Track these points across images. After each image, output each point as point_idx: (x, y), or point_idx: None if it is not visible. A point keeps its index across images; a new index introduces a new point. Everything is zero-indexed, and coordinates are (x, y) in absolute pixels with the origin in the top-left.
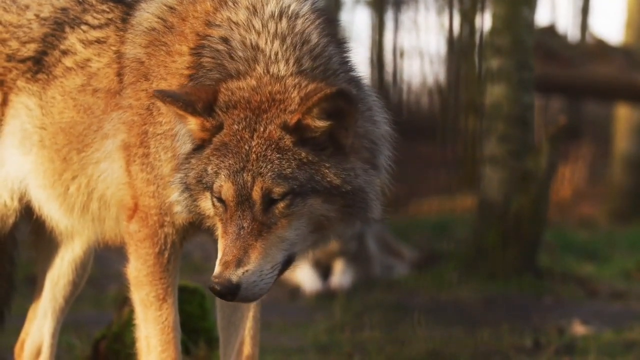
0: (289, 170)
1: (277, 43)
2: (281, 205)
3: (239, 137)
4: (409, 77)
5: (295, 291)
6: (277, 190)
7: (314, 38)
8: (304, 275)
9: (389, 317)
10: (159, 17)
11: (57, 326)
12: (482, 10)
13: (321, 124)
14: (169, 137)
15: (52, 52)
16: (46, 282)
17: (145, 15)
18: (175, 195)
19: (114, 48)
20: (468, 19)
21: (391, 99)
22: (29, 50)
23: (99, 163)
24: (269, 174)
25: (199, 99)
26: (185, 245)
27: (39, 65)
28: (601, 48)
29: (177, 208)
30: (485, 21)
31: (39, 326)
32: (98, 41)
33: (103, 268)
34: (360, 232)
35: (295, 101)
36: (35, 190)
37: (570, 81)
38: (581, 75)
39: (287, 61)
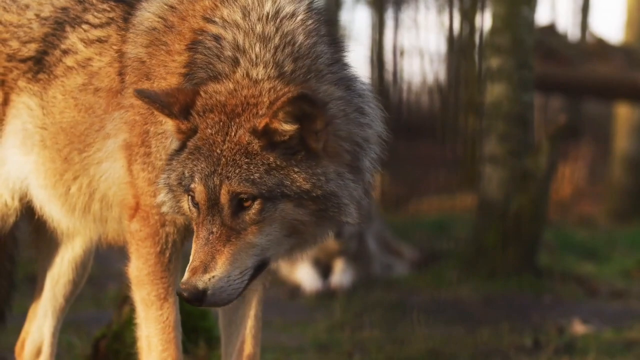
0: (257, 175)
1: (259, 45)
2: (251, 211)
3: (211, 141)
4: (409, 76)
5: (295, 290)
6: (244, 194)
7: (300, 39)
8: (304, 275)
9: (388, 316)
10: (159, 17)
11: (58, 325)
12: (482, 9)
13: (288, 127)
14: (170, 136)
15: (52, 51)
16: (46, 281)
17: (147, 15)
18: (161, 196)
19: (115, 47)
20: (468, 18)
21: (391, 98)
22: (30, 50)
23: (101, 163)
24: (235, 178)
25: (176, 102)
26: (186, 245)
27: (39, 65)
28: (601, 47)
29: (164, 208)
30: (485, 20)
31: (39, 325)
32: (99, 40)
33: (103, 267)
34: (360, 232)
35: (266, 105)
36: (36, 190)
37: (570, 80)
38: (581, 74)
39: (266, 64)
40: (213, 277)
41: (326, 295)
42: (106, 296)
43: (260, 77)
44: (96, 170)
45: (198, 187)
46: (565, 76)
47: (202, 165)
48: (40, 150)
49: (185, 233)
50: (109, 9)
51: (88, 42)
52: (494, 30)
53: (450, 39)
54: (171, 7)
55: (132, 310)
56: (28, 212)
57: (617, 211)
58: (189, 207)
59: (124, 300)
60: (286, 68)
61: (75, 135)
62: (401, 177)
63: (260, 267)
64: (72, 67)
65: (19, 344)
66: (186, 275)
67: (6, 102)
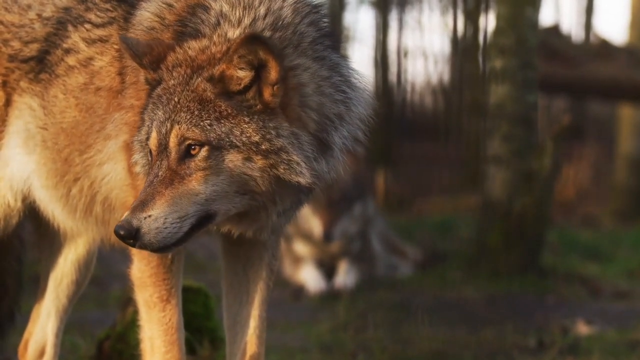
0: (207, 121)
1: (241, 11)
2: (197, 158)
3: (172, 90)
4: (413, 77)
5: (299, 291)
6: (191, 140)
7: (287, 14)
8: (308, 275)
9: (392, 317)
10: (157, 16)
11: (61, 326)
12: (486, 10)
13: (242, 74)
14: None
15: (54, 51)
16: (49, 282)
17: (146, 15)
18: (135, 156)
19: (116, 47)
20: (472, 19)
21: (395, 99)
22: (32, 50)
23: (102, 165)
24: (185, 123)
25: (149, 53)
26: (188, 245)
27: (41, 65)
28: (605, 48)
29: (137, 168)
30: (489, 21)
31: (43, 326)
32: (101, 40)
33: (107, 268)
34: (364, 232)
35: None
36: (38, 191)
37: (574, 81)
38: (585, 75)
39: (244, 28)
40: (149, 216)
41: (330, 295)
42: (110, 297)
43: (234, 37)
44: (98, 173)
45: (152, 134)
46: (569, 77)
47: (160, 113)
48: (42, 150)
49: None
50: (111, 8)
51: (90, 42)
52: (497, 31)
53: (454, 40)
54: (169, 5)
55: (136, 311)
56: (31, 212)
57: (621, 211)
58: (148, 158)
59: (128, 301)
60: (265, 35)
61: (76, 135)
62: (405, 177)
63: (206, 219)
64: (74, 66)
65: (22, 344)
66: (125, 214)
67: (8, 103)
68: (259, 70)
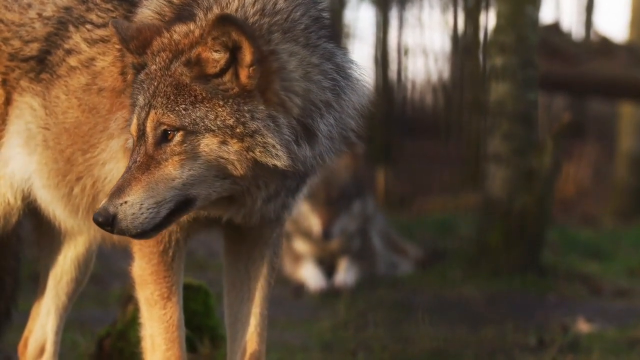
0: (182, 106)
1: None
2: (173, 143)
3: (152, 76)
4: (413, 75)
5: (299, 289)
6: (167, 125)
7: (280, 2)
8: (308, 273)
9: (393, 315)
10: (158, 13)
11: (61, 324)
12: (487, 8)
13: (217, 56)
14: None
15: (55, 51)
16: (49, 280)
17: (146, 13)
18: (129, 142)
19: (117, 46)
20: (472, 17)
21: (395, 97)
22: (32, 49)
23: (105, 164)
24: (161, 109)
25: (137, 37)
26: (189, 243)
27: (42, 65)
28: (605, 46)
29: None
30: (489, 19)
31: (42, 324)
32: (102, 40)
33: (107, 265)
34: (364, 230)
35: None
36: (40, 190)
37: (575, 79)
38: (585, 73)
39: (232, 11)
40: (125, 202)
41: (330, 293)
42: (110, 295)
43: None
44: (100, 172)
45: (133, 120)
46: (569, 75)
47: (140, 99)
48: (43, 150)
49: (189, 231)
50: (112, 8)
51: (91, 42)
52: (498, 28)
53: (455, 38)
54: (169, 1)
55: (136, 309)
56: (31, 211)
57: (621, 210)
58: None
59: (128, 299)
60: (251, 19)
61: (79, 135)
62: (405, 175)
63: (185, 204)
64: (76, 67)
65: (22, 342)
66: (103, 200)
67: (9, 101)
68: (234, 52)
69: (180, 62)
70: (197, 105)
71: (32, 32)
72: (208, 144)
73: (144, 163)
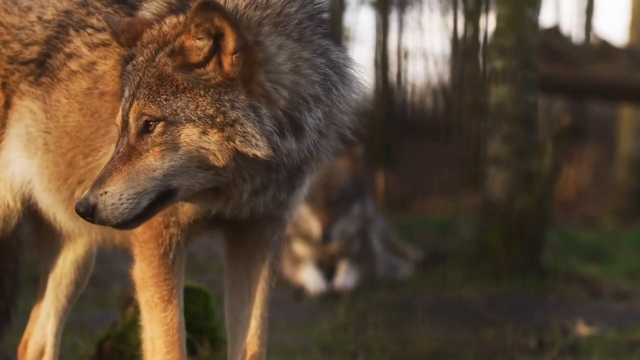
0: (164, 96)
1: None
2: (154, 133)
3: (138, 67)
4: (413, 78)
5: (299, 291)
6: (148, 116)
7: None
8: (308, 276)
9: (393, 317)
10: (158, 15)
11: (60, 326)
12: (486, 10)
13: (201, 43)
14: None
15: (56, 55)
16: (49, 282)
17: (147, 15)
18: (114, 132)
19: (118, 50)
20: (472, 20)
21: (395, 100)
22: (32, 52)
23: None
24: (143, 99)
25: (127, 31)
26: (189, 246)
27: (42, 68)
28: (605, 48)
29: None
30: (489, 22)
31: (42, 326)
32: (103, 44)
33: (107, 268)
34: (363, 232)
35: None
36: (40, 194)
37: (575, 81)
38: (585, 75)
39: (225, 3)
40: (105, 192)
41: (330, 296)
42: (110, 297)
43: None
44: None
45: (119, 112)
46: (569, 77)
47: (126, 90)
48: (44, 154)
49: (190, 234)
50: (112, 11)
51: (92, 46)
52: (498, 31)
53: (455, 41)
54: (168, 2)
55: (136, 311)
56: (30, 213)
57: (621, 212)
58: None
59: (128, 301)
60: (242, 11)
61: (81, 139)
62: (405, 177)
63: (167, 195)
64: (77, 71)
65: (21, 345)
66: (86, 191)
67: (8, 104)
68: (217, 39)
69: (164, 53)
70: (179, 96)
71: (32, 35)
72: (189, 135)
73: (125, 154)
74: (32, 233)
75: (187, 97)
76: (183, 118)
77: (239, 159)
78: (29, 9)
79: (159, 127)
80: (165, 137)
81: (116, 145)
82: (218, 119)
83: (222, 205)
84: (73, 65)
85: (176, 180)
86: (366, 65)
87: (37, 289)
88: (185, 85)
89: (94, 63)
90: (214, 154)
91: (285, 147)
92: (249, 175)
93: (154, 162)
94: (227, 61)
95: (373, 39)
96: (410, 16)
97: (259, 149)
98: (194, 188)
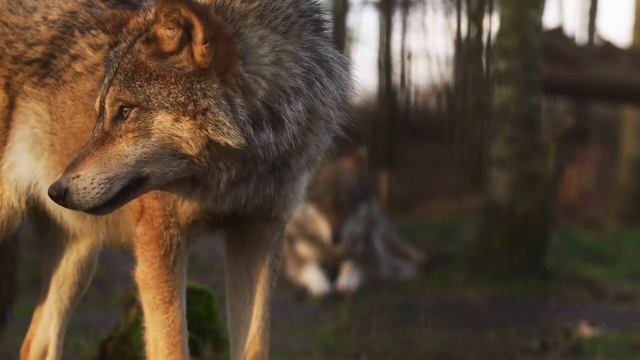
0: (138, 82)
1: None
2: (127, 119)
3: (119, 54)
4: (416, 79)
5: (302, 292)
6: (122, 102)
7: None
8: (311, 277)
9: (395, 319)
10: None
11: (63, 327)
12: (490, 12)
13: (171, 33)
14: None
15: (61, 56)
16: (51, 283)
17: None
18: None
19: None
20: (475, 21)
21: (399, 101)
22: (36, 52)
23: None
24: (118, 85)
25: (112, 20)
26: (191, 247)
27: (46, 69)
28: (609, 50)
29: None
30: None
31: (45, 327)
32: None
33: (110, 269)
34: (367, 233)
35: None
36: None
37: (578, 83)
38: (588, 77)
39: None
40: (78, 176)
41: (333, 297)
42: (113, 298)
43: None
44: None
45: (98, 98)
46: (572, 79)
47: (105, 75)
48: (50, 155)
49: (190, 235)
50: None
51: (97, 48)
52: (501, 32)
53: (458, 42)
54: None
55: (139, 312)
56: (34, 214)
57: (624, 214)
58: None
59: (131, 302)
60: (227, 3)
61: (86, 140)
62: (408, 179)
63: (139, 181)
64: (81, 72)
65: (24, 346)
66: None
67: (12, 106)
68: (188, 29)
69: (141, 40)
70: (152, 82)
71: (36, 35)
72: (161, 121)
73: (99, 139)
74: (35, 234)
75: (160, 84)
76: (156, 104)
77: (212, 147)
78: (34, 9)
79: (132, 113)
80: (139, 124)
81: (92, 131)
82: (189, 107)
83: (199, 195)
84: (77, 66)
85: (149, 167)
86: (369, 66)
87: (39, 290)
88: (158, 72)
89: (98, 65)
90: (187, 142)
91: (261, 138)
92: (224, 165)
93: (126, 148)
94: (197, 51)
95: (376, 40)
96: (414, 17)
97: (231, 138)
98: (168, 176)
